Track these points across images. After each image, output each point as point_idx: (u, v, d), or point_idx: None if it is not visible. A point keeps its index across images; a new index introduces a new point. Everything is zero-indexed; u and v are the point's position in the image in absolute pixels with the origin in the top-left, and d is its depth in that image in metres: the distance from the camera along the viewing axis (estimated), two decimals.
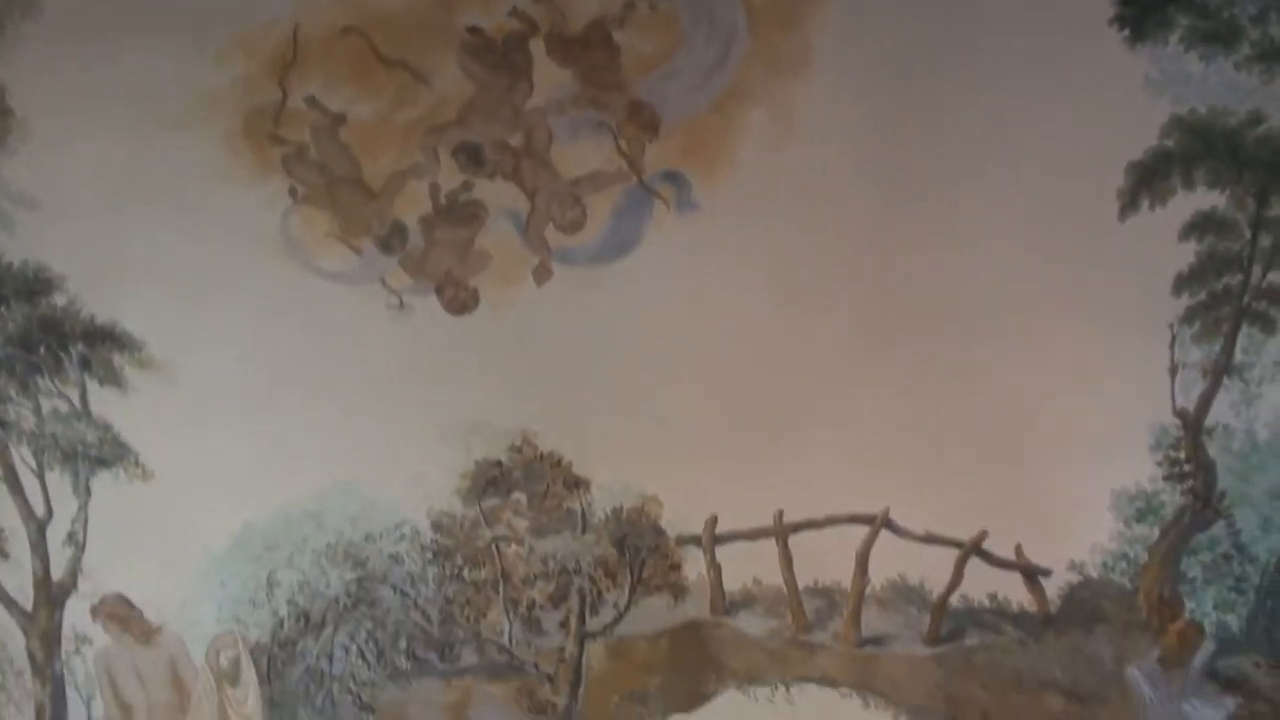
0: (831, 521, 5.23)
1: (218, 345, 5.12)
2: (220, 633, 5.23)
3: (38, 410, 5.12)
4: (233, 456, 5.21)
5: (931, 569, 5.09)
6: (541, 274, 5.05)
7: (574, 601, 5.11)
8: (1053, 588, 5.16)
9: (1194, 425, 5.01)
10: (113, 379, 5.12)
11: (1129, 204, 4.80)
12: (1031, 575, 5.09)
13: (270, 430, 5.14)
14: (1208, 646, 4.96)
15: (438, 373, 5.11)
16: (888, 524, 5.15)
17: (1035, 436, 5.15)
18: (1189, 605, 5.00)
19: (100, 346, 5.06)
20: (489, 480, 5.20)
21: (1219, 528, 5.10)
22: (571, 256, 5.13)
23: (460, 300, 5.05)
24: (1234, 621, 4.97)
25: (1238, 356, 4.94)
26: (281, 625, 5.20)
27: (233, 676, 5.14)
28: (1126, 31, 4.71)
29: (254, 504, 5.30)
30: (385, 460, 5.21)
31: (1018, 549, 5.10)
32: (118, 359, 5.08)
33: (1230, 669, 4.98)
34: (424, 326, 5.14)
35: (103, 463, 5.12)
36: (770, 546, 5.15)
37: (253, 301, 5.09)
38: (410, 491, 5.23)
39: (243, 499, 5.32)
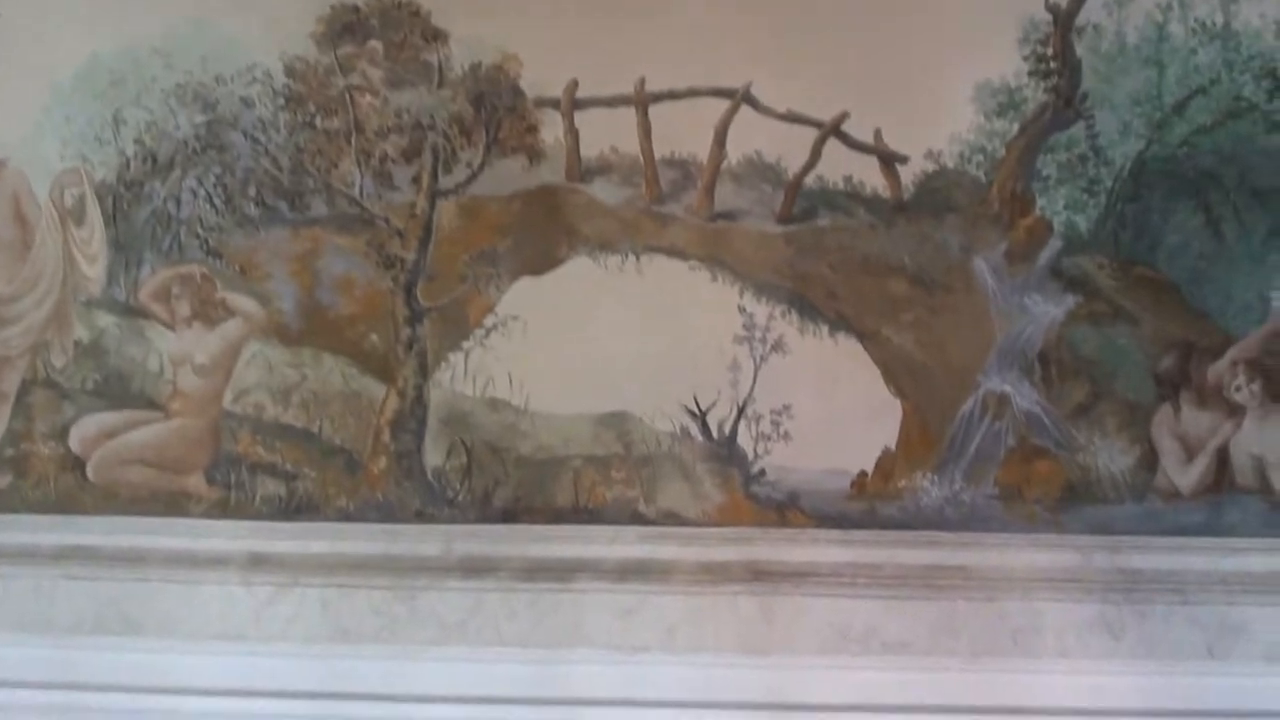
0: (693, 93, 5.13)
1: None
2: (65, 170, 5.09)
3: None
4: None
5: (789, 148, 5.07)
6: None
7: (427, 158, 5.04)
8: (908, 175, 5.14)
9: (1065, 21, 4.94)
10: None
11: None
12: (888, 160, 5.06)
13: None
14: (1054, 244, 4.98)
15: None
16: (748, 99, 5.09)
17: (904, 23, 5.07)
18: (1040, 203, 5.01)
19: None
20: (345, 25, 5.03)
21: (1078, 128, 5.07)
22: None
23: None
24: (1083, 222, 4.98)
25: None
26: (128, 165, 5.10)
27: (78, 215, 5.06)
28: None
29: (102, 36, 5.04)
30: None
31: (877, 134, 5.08)
32: None
33: (1074, 268, 5.02)
34: None
35: None
36: (629, 115, 5.07)
37: None
38: (264, 34, 5.06)
39: (90, 29, 5.04)
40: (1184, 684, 4.82)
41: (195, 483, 5.11)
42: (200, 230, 5.05)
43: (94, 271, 5.11)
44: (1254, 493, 5.03)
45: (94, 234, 5.07)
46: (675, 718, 4.72)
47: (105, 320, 5.14)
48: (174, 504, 5.13)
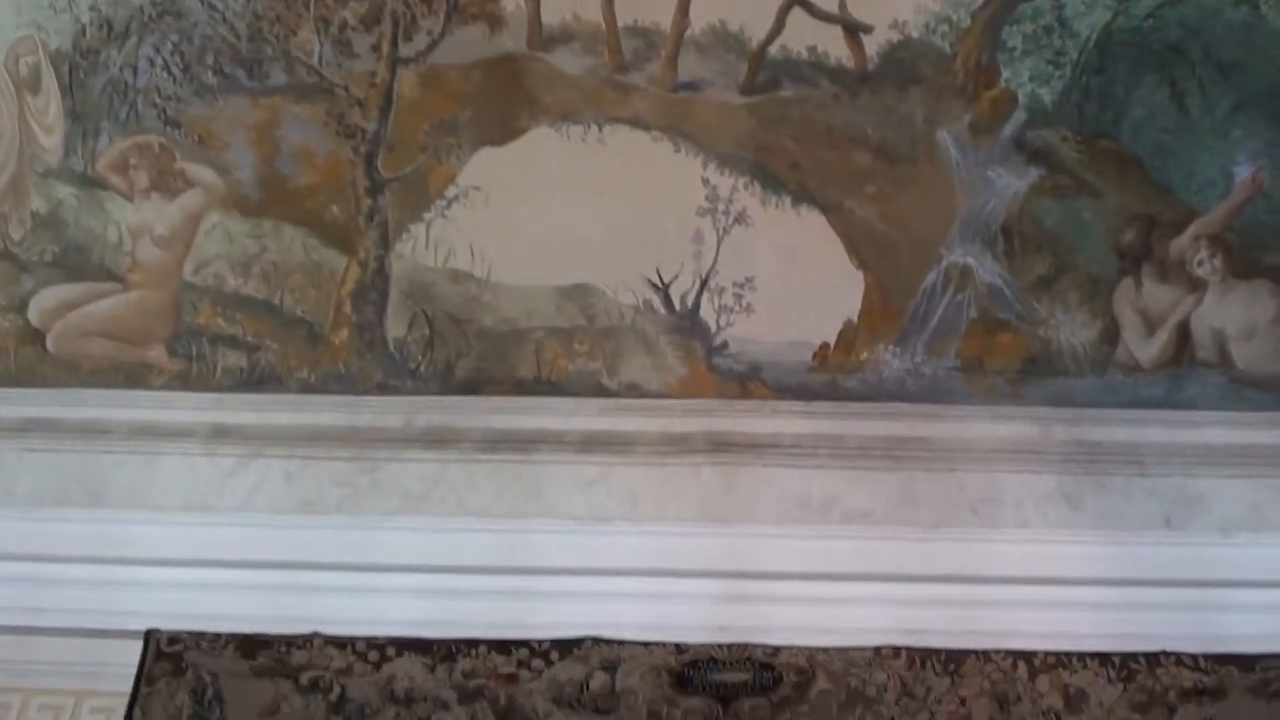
0: None
1: None
2: (19, 38, 5.02)
3: None
4: None
5: (752, 17, 5.05)
6: None
7: (387, 25, 4.99)
8: (872, 45, 5.09)
9: None
10: None
11: None
12: (852, 30, 5.05)
13: None
14: (1019, 116, 4.95)
15: None
16: None
17: None
18: (1005, 74, 4.95)
19: None
20: None
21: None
22: None
23: None
24: (1047, 94, 4.96)
25: None
26: (84, 33, 5.04)
27: (33, 85, 5.00)
28: None
29: None
30: None
31: (841, 2, 5.05)
32: None
33: (1038, 140, 5.01)
34: None
35: None
36: None
37: None
38: None
39: None
40: (1141, 554, 4.85)
41: (156, 355, 5.09)
42: (158, 99, 4.99)
43: (51, 142, 5.05)
44: (1214, 366, 5.06)
45: (50, 104, 5.00)
46: (637, 586, 4.69)
47: (63, 191, 5.09)
48: (135, 376, 5.10)
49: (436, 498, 4.93)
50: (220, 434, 4.98)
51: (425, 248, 5.08)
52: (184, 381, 5.07)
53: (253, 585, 4.76)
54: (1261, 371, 5.02)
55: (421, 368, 5.02)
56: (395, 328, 5.08)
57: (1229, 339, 5.00)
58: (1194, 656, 4.60)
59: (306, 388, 5.01)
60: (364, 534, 4.86)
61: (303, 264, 5.06)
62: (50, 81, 5.00)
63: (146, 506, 4.94)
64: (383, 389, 5.00)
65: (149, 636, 4.54)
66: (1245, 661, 4.57)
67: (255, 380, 5.03)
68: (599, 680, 4.51)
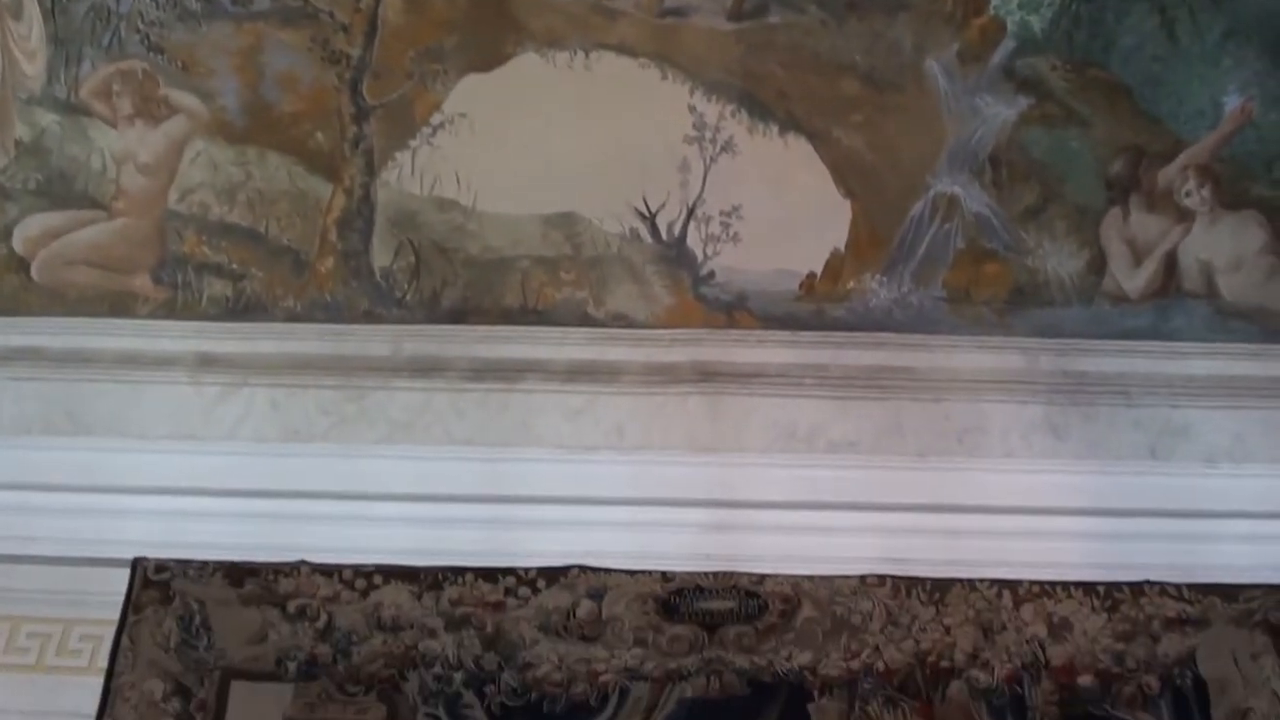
0: None
1: None
2: None
3: None
4: None
5: None
6: None
7: None
8: None
9: None
10: None
11: None
12: None
13: None
14: (1007, 44, 4.91)
15: None
16: None
17: None
18: (994, 1, 4.86)
19: None
20: None
21: None
22: None
23: None
24: (1037, 22, 4.94)
25: None
26: None
27: (14, 10, 4.98)
28: None
29: None
30: None
31: None
32: None
33: (1027, 69, 4.98)
34: None
35: None
36: None
37: None
38: None
39: None
40: (1126, 484, 4.87)
41: (141, 283, 5.07)
42: (141, 25, 4.94)
43: (33, 68, 5.01)
44: (1200, 297, 5.04)
45: (32, 29, 4.95)
46: (623, 515, 4.70)
47: (46, 119, 5.06)
48: (120, 304, 5.08)
49: (423, 426, 4.92)
50: (206, 363, 4.97)
51: (411, 175, 5.05)
52: (169, 310, 5.05)
53: (239, 514, 4.76)
54: (1248, 303, 5.02)
55: (407, 296, 5.01)
56: (381, 256, 5.07)
57: (1216, 270, 5.00)
58: (1178, 586, 4.63)
59: (292, 316, 4.99)
60: (351, 462, 4.86)
61: (288, 191, 5.04)
62: (32, 7, 4.97)
63: (132, 435, 4.92)
64: (369, 317, 4.99)
65: (136, 564, 4.56)
66: (1228, 591, 4.60)
67: (241, 309, 5.02)
68: (585, 608, 4.53)
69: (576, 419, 4.94)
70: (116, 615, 4.59)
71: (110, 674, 4.44)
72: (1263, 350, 5.01)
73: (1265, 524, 4.85)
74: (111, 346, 5.01)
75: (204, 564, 4.59)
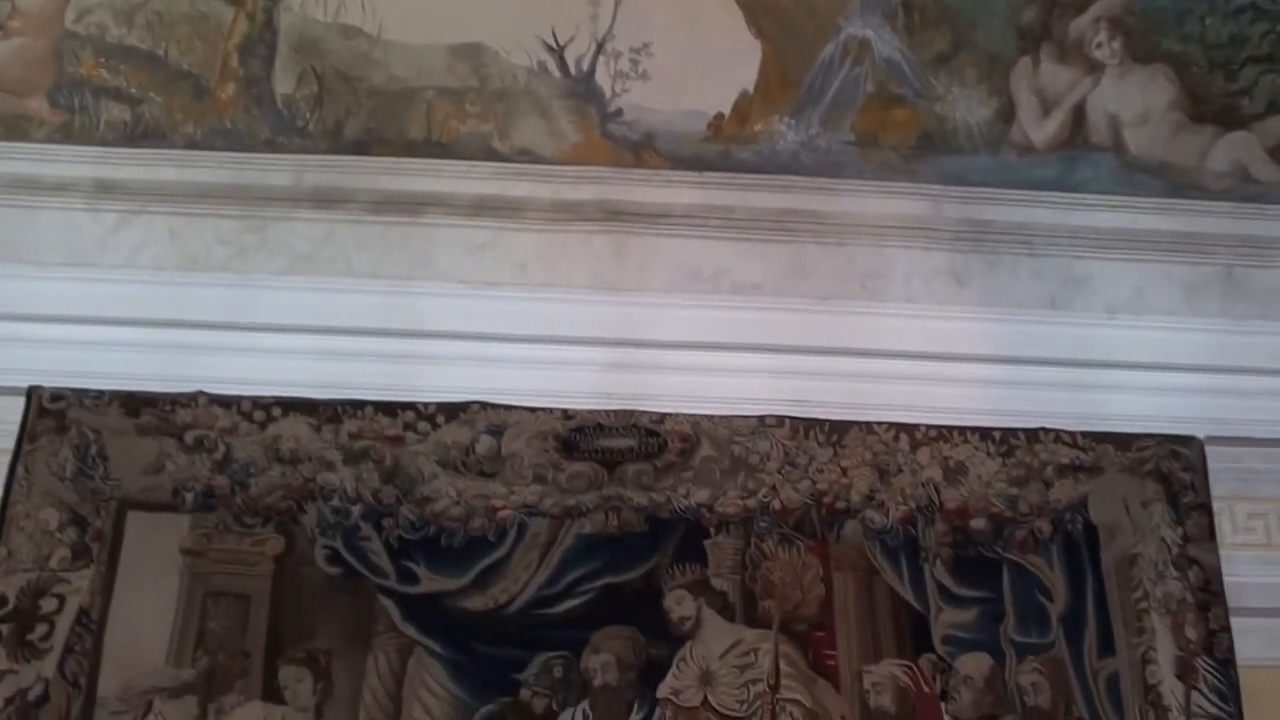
0: None
1: None
2: None
3: None
4: None
5: None
6: None
7: None
8: None
9: None
10: None
11: None
12: None
13: None
14: None
15: None
16: None
17: None
18: None
19: None
20: None
21: None
22: None
23: None
24: None
25: None
26: None
27: None
28: None
29: None
30: None
31: None
32: None
33: None
34: None
35: None
36: None
37: None
38: None
39: None
40: (1026, 332, 4.91)
41: (37, 105, 4.94)
42: None
43: None
44: (1107, 150, 5.07)
45: None
46: (525, 352, 4.69)
47: None
48: (15, 127, 4.98)
49: (324, 258, 4.88)
50: (103, 189, 4.90)
51: (315, 1, 4.83)
52: (66, 134, 4.95)
53: (137, 343, 4.72)
54: (1153, 157, 5.06)
55: (310, 125, 4.93)
56: (283, 83, 4.99)
57: (1123, 123, 5.03)
58: (1072, 434, 4.72)
59: (192, 143, 4.92)
60: (250, 293, 4.83)
61: (188, 14, 4.94)
62: None
63: (27, 261, 4.85)
64: (270, 146, 4.91)
65: (31, 393, 4.55)
66: (1122, 440, 4.71)
67: (139, 134, 4.93)
68: (485, 444, 4.56)
69: (480, 254, 4.92)
70: (11, 444, 4.59)
71: (4, 503, 4.46)
72: (1166, 204, 5.08)
73: (1161, 375, 4.94)
74: (5, 170, 4.94)
75: (100, 393, 4.56)
